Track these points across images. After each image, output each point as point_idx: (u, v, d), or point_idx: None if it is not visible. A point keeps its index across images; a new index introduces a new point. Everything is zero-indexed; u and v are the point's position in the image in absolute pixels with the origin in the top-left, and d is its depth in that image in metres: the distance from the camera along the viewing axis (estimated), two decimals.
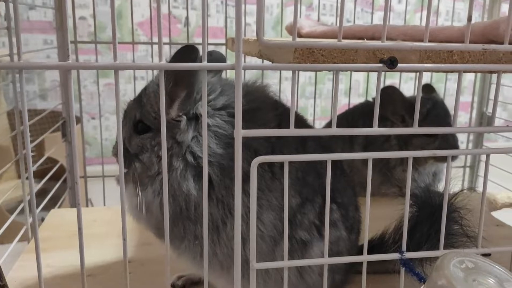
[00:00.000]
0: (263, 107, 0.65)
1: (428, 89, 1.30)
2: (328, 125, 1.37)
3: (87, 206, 1.50)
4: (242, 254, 0.55)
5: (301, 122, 0.74)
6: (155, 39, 1.44)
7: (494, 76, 1.42)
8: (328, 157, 0.53)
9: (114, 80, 0.48)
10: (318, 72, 1.66)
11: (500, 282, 0.44)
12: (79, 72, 1.39)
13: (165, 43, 1.32)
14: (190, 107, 0.62)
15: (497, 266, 0.45)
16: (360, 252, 0.60)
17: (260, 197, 0.61)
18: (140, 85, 0.72)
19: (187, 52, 0.55)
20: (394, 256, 0.57)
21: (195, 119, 0.63)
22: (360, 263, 0.59)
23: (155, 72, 0.67)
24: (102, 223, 1.06)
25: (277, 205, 0.62)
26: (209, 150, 0.60)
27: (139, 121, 0.65)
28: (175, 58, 0.56)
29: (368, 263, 0.58)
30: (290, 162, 0.63)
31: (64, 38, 1.18)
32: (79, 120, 1.46)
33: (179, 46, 0.57)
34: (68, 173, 1.30)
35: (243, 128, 0.49)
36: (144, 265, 0.88)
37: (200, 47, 0.52)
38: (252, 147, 0.61)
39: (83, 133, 1.42)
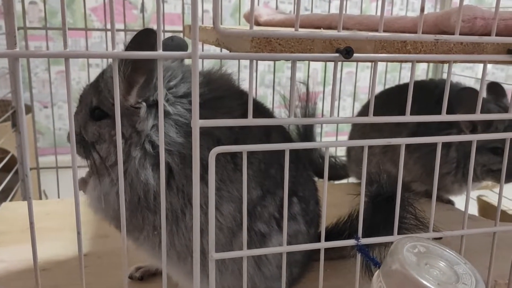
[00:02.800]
0: (227, 96, 0.64)
1: (496, 90, 1.10)
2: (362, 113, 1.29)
3: (40, 198, 1.45)
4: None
5: (265, 112, 0.73)
6: (110, 25, 1.39)
7: (446, 65, 1.47)
8: (286, 146, 0.53)
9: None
10: (277, 61, 1.66)
11: (450, 265, 0.45)
12: (30, 60, 1.34)
13: (119, 30, 1.29)
14: (150, 94, 0.60)
15: (447, 250, 0.47)
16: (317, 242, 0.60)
17: (221, 188, 0.61)
18: (95, 73, 0.70)
19: (146, 37, 0.52)
20: (350, 242, 0.58)
21: (155, 106, 0.60)
22: (317, 254, 0.59)
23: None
24: (56, 216, 1.03)
25: (237, 197, 0.61)
26: (169, 139, 0.59)
27: (96, 107, 0.63)
28: (133, 43, 0.53)
29: (325, 250, 0.59)
30: (253, 154, 0.63)
31: (12, 24, 1.13)
32: (30, 109, 1.41)
33: (135, 33, 0.54)
34: (19, 164, 1.26)
35: (206, 116, 0.48)
36: (101, 258, 0.86)
37: None
38: (214, 136, 0.60)
39: (35, 122, 1.36)
